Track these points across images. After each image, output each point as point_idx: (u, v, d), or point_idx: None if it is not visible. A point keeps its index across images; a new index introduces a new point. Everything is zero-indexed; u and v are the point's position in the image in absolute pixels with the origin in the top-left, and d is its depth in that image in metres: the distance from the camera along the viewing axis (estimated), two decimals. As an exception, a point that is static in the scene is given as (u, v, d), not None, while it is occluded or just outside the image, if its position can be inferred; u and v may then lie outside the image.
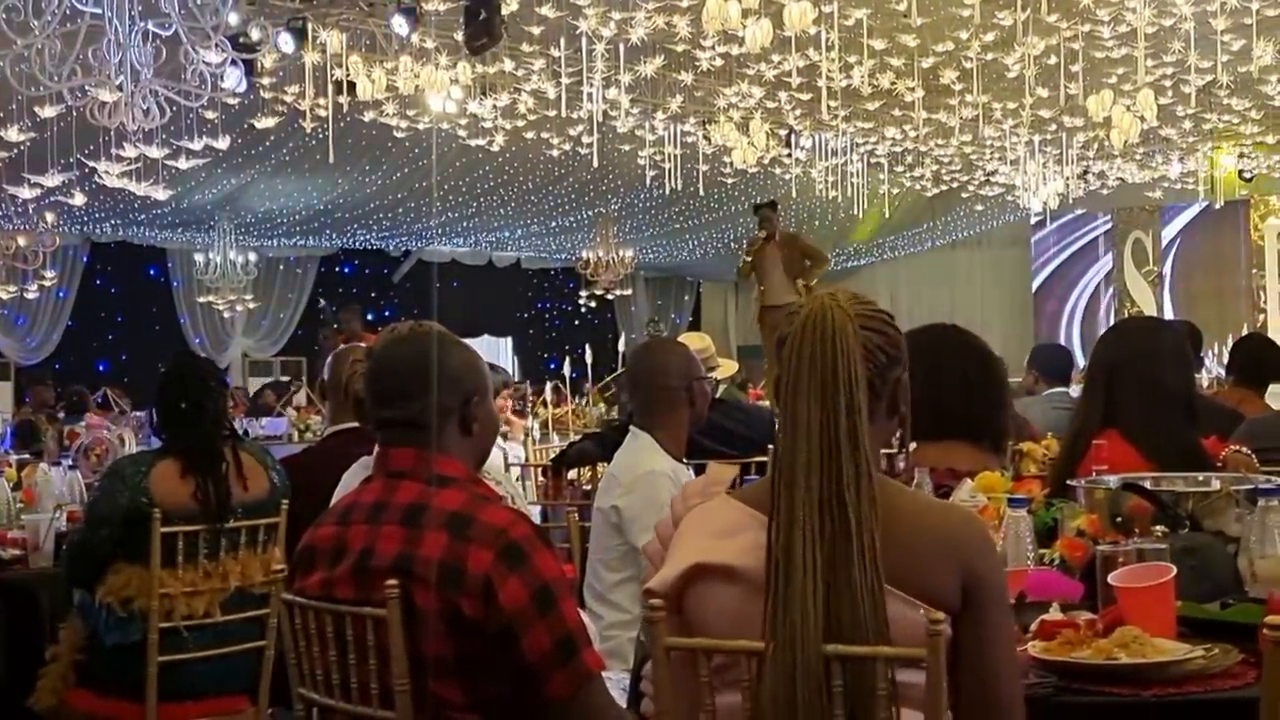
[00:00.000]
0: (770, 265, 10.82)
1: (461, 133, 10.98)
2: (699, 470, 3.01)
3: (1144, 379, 3.24)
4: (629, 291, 17.63)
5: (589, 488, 5.90)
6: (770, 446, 5.90)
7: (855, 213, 13.26)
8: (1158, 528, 2.58)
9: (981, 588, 1.89)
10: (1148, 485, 2.75)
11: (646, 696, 2.24)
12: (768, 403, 11.03)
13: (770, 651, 1.84)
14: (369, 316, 17.10)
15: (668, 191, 12.34)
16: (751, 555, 1.91)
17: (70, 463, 5.57)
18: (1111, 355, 3.35)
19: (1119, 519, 2.66)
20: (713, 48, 9.10)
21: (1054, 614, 2.34)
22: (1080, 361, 9.21)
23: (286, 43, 8.50)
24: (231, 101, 9.04)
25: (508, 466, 7.13)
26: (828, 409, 1.89)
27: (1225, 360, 6.36)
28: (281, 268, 17.39)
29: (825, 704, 1.80)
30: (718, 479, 2.21)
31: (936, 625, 1.76)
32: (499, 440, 5.80)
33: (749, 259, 11.32)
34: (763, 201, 11.92)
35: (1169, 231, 17.42)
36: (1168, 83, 10.60)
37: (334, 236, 16.92)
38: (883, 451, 2.45)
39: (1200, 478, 2.90)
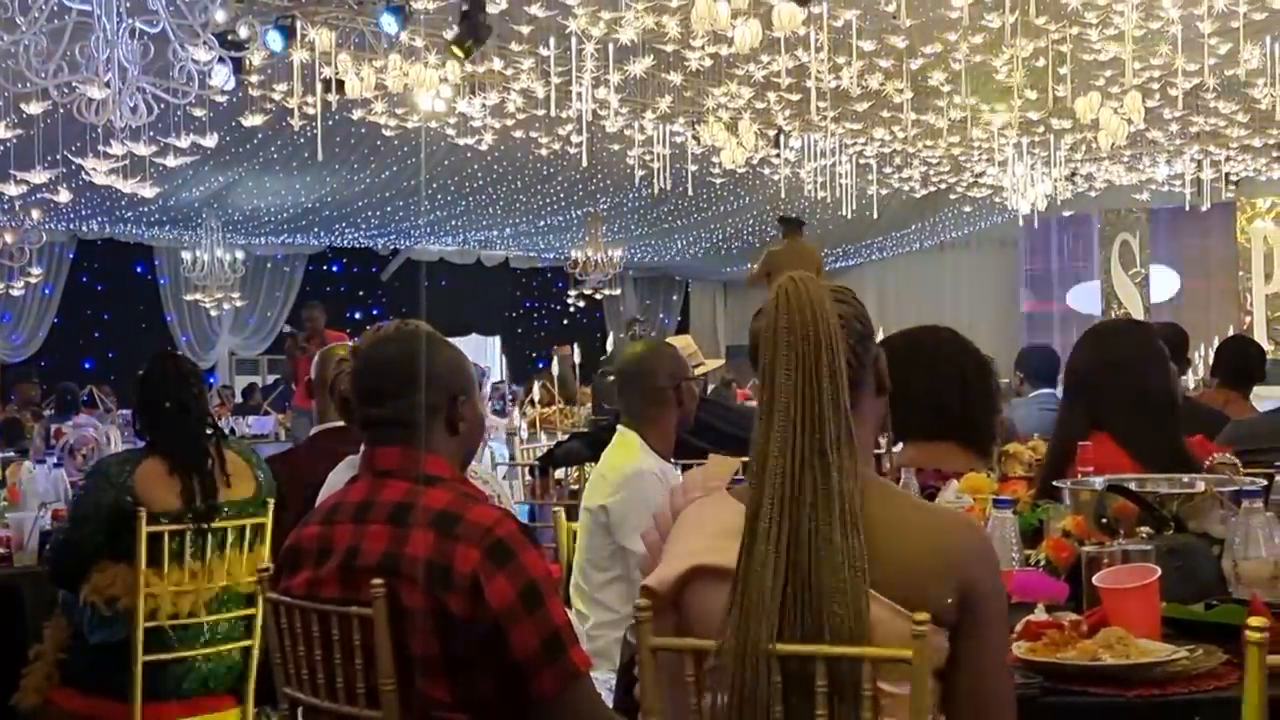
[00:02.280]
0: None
1: (450, 131, 10.96)
2: (687, 470, 3.01)
3: (1127, 384, 3.25)
4: (617, 291, 17.62)
5: (576, 487, 5.91)
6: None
7: (844, 213, 13.25)
8: (1143, 529, 2.58)
9: (980, 603, 1.85)
10: (1133, 487, 2.76)
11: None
12: (754, 403, 11.11)
13: (725, 646, 1.81)
14: (357, 315, 17.10)
15: (656, 191, 12.34)
16: None
17: (55, 461, 5.56)
18: (1092, 360, 3.35)
19: (1104, 520, 2.66)
20: (702, 48, 9.09)
21: (1039, 615, 2.34)
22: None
23: (275, 40, 8.48)
24: (219, 99, 9.01)
25: (494, 465, 7.14)
26: (808, 374, 1.85)
27: (1211, 362, 6.38)
28: (269, 266, 17.35)
29: (772, 703, 1.78)
30: (718, 472, 2.18)
31: (920, 627, 1.75)
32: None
33: (755, 269, 11.77)
34: (789, 216, 12.21)
35: (1156, 234, 17.48)
36: (1155, 85, 10.63)
37: (322, 234, 16.89)
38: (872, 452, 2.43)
39: (1185, 479, 2.90)
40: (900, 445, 3.31)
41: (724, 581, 1.88)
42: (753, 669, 1.78)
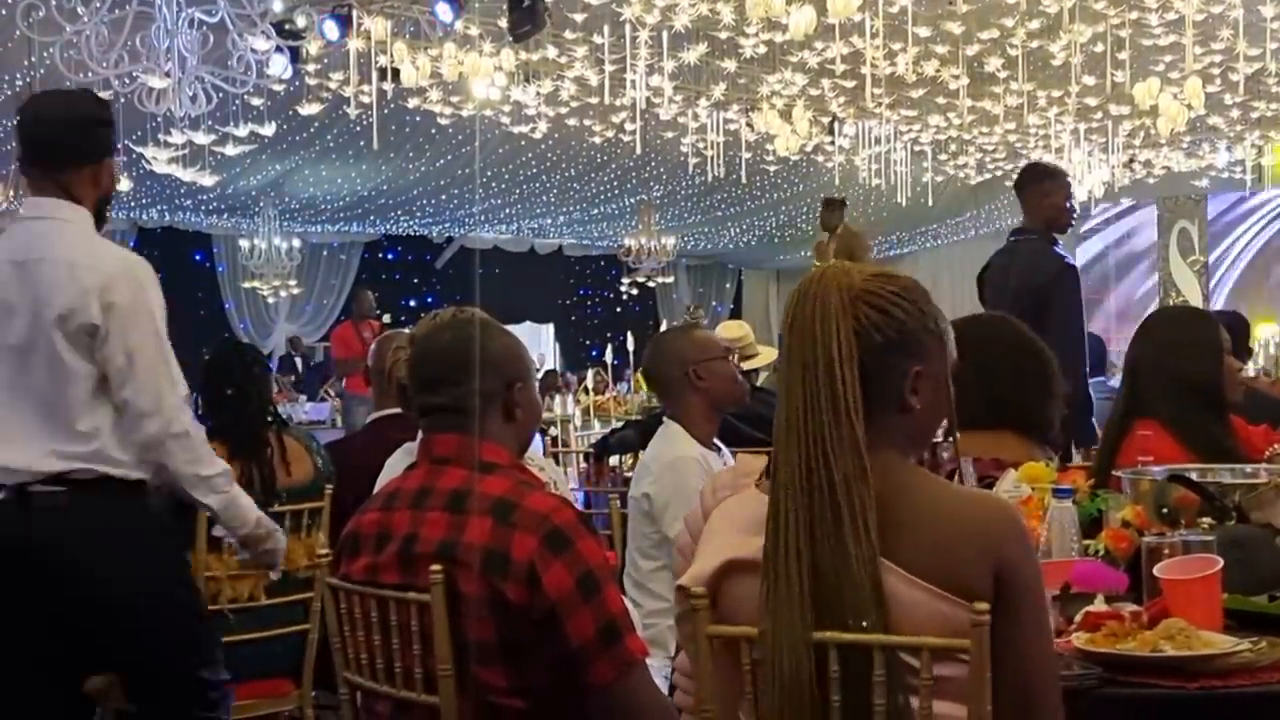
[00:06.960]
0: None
1: (504, 119, 11.00)
2: (739, 458, 3.00)
3: (1172, 371, 3.27)
4: (670, 279, 17.63)
5: (630, 475, 5.91)
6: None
7: (899, 201, 13.17)
8: (1204, 519, 2.56)
9: (1015, 581, 1.82)
10: (1194, 476, 2.73)
11: (679, 690, 2.23)
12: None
13: (764, 635, 1.81)
14: (411, 303, 17.20)
15: (710, 179, 12.32)
16: None
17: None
18: (1141, 347, 3.39)
19: (1165, 510, 2.64)
20: (756, 35, 9.07)
21: (1099, 605, 2.32)
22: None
23: (331, 30, 8.54)
24: (277, 88, 9.09)
25: (546, 453, 7.16)
26: (809, 372, 1.83)
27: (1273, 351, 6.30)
28: (325, 254, 17.48)
29: (814, 689, 1.78)
30: (746, 470, 2.17)
31: (981, 617, 1.74)
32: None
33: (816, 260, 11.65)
34: (831, 198, 12.04)
35: (1216, 221, 17.25)
36: (1216, 70, 10.48)
37: (377, 223, 17.00)
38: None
39: (1248, 469, 2.87)
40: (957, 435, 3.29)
41: (756, 575, 1.88)
42: (791, 656, 1.78)
